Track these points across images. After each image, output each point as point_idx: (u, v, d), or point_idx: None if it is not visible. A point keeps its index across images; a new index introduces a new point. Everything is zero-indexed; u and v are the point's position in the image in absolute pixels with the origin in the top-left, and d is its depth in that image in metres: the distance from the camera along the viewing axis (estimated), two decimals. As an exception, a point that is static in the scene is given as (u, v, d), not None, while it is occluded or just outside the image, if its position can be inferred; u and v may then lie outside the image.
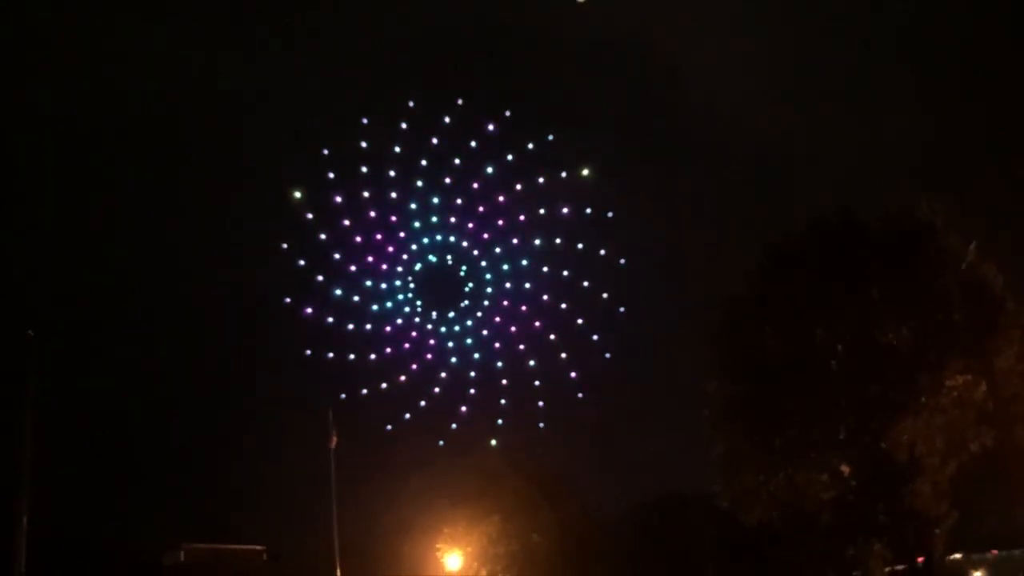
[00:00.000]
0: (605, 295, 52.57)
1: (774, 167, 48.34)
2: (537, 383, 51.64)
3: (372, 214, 53.30)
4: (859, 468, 30.79)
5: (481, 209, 53.89)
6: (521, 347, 52.68)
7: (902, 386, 29.86)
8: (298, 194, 51.56)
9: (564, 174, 53.23)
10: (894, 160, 44.87)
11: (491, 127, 53.10)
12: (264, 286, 49.29)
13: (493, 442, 48.11)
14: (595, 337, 52.00)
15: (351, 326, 51.87)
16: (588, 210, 53.01)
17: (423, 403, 51.19)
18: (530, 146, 53.22)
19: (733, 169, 49.96)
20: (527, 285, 53.60)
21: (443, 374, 52.21)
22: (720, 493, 32.69)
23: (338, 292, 51.96)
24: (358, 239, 52.93)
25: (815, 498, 30.85)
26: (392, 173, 53.37)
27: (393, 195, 53.63)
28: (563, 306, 53.18)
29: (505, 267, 53.81)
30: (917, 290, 30.25)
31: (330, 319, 51.59)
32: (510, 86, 51.89)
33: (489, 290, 53.86)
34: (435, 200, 54.02)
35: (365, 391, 49.50)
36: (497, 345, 52.95)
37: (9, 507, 29.36)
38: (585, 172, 52.62)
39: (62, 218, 47.30)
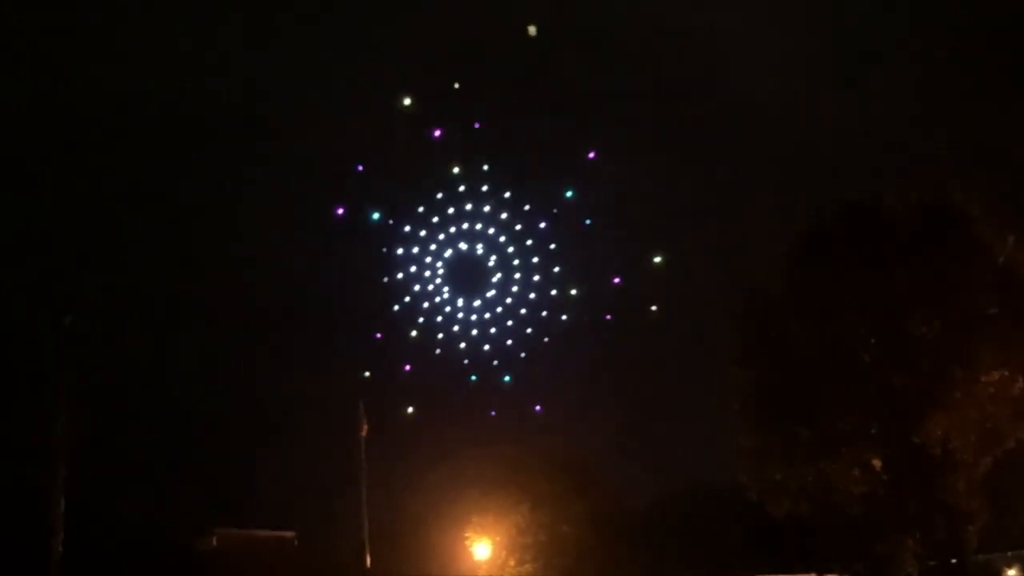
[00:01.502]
0: (620, 279, 52.24)
1: (804, 156, 47.79)
2: (559, 371, 51.57)
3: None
4: (891, 462, 30.51)
5: (508, 195, 53.83)
6: (546, 339, 52.71)
7: (935, 379, 29.48)
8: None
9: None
10: (928, 149, 44.24)
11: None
12: (294, 274, 49.58)
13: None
14: (621, 324, 51.82)
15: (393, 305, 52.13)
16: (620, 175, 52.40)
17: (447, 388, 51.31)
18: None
19: (762, 157, 49.50)
20: (556, 269, 53.53)
21: (465, 360, 52.32)
22: (748, 485, 32.53)
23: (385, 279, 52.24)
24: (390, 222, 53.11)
25: (845, 492, 30.61)
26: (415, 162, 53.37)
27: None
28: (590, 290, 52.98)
29: (535, 259, 53.80)
30: (951, 281, 29.81)
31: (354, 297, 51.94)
32: (546, 76, 51.48)
33: (517, 275, 53.90)
34: (461, 188, 54.02)
35: (399, 383, 49.60)
36: (529, 331, 52.99)
37: (46, 492, 29.94)
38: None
39: (95, 206, 47.81)
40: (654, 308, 50.92)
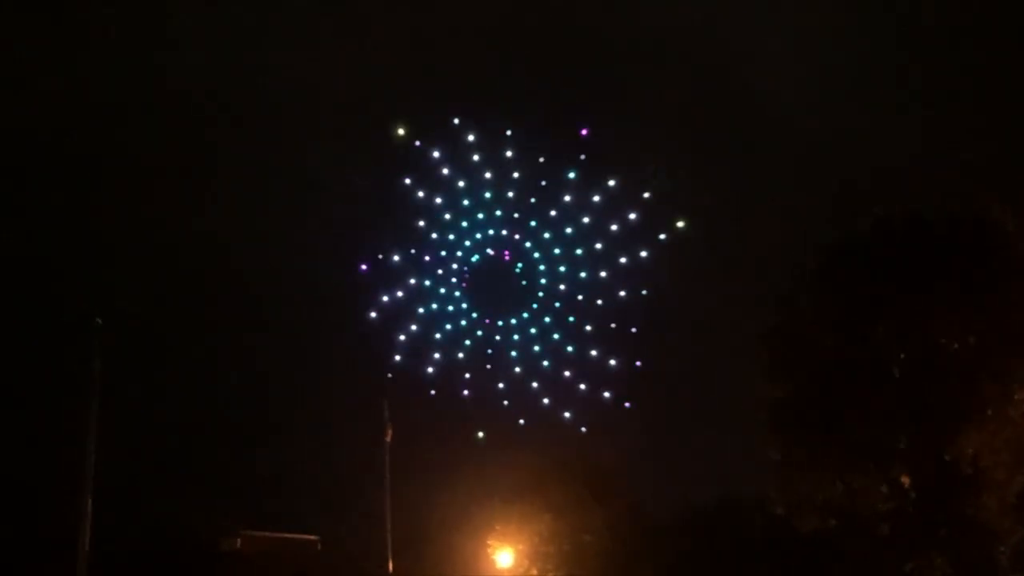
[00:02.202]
0: (647, 292, 51.81)
1: (837, 165, 47.33)
2: (583, 386, 51.31)
3: (438, 200, 53.38)
4: (920, 479, 30.16)
5: (533, 200, 53.73)
6: (570, 348, 52.45)
7: (967, 395, 29.15)
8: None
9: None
10: (963, 161, 43.61)
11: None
12: (323, 278, 49.75)
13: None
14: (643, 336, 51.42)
15: (413, 327, 52.16)
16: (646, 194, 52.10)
17: (467, 392, 51.21)
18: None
19: (794, 165, 49.01)
20: (582, 274, 53.33)
21: (488, 365, 52.21)
22: (775, 499, 32.29)
23: (399, 293, 52.27)
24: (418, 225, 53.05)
25: (873, 508, 30.31)
26: (446, 171, 53.33)
27: (461, 183, 53.67)
28: (621, 293, 52.57)
29: (562, 268, 53.62)
30: (985, 296, 29.44)
31: (386, 297, 52.03)
32: (572, 78, 51.14)
33: (543, 281, 53.77)
34: (487, 194, 54.00)
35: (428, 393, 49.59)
36: (556, 336, 52.86)
37: (75, 490, 30.34)
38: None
39: (127, 205, 48.29)
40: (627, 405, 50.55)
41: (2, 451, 37.08)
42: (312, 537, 39.99)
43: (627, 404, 49.57)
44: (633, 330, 51.41)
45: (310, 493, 42.69)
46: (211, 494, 41.22)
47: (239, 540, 38.08)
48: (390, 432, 37.56)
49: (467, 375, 51.46)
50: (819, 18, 48.61)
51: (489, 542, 38.64)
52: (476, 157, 53.71)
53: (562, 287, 53.21)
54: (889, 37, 49.32)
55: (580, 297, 53.15)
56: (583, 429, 49.14)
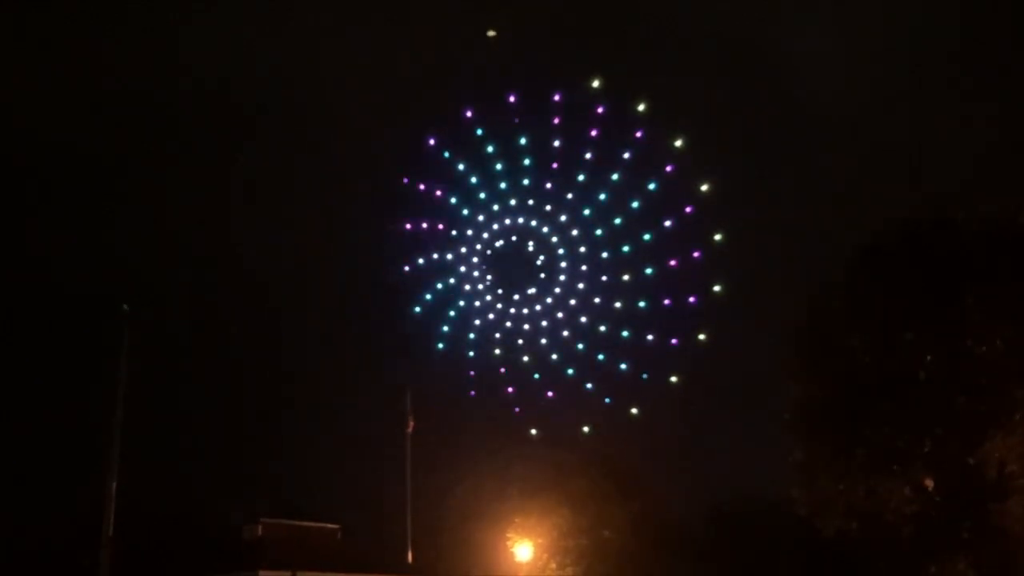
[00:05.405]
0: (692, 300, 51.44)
1: (869, 166, 47.09)
2: (591, 386, 51.20)
3: (453, 200, 53.45)
4: (944, 483, 29.96)
5: (548, 185, 53.50)
6: (580, 346, 52.22)
7: (993, 400, 28.90)
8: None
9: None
10: (995, 163, 43.27)
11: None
12: (347, 274, 49.96)
13: (586, 429, 48.14)
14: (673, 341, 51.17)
15: (446, 327, 52.14)
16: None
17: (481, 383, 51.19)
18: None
19: (825, 167, 48.78)
20: (603, 278, 53.10)
21: (526, 358, 52.11)
22: (798, 500, 32.13)
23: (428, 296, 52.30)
24: (440, 227, 53.05)
25: (897, 511, 30.13)
26: (462, 167, 53.22)
27: (473, 180, 53.64)
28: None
29: (582, 249, 53.34)
30: (1013, 300, 29.14)
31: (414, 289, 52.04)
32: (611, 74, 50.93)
33: (563, 278, 53.63)
34: (503, 185, 53.84)
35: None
36: (566, 333, 52.72)
37: (99, 476, 30.63)
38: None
39: (153, 194, 48.59)
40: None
41: (30, 438, 37.56)
42: (333, 526, 40.20)
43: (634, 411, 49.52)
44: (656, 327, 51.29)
45: (332, 483, 43.00)
46: (234, 483, 41.59)
47: (260, 527, 38.30)
48: (412, 424, 37.71)
49: (503, 370, 51.39)
50: (860, 23, 48.33)
51: (508, 535, 38.79)
52: (492, 149, 53.65)
53: (581, 285, 53.02)
54: (923, 41, 48.95)
55: (604, 278, 52.95)
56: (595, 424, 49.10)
